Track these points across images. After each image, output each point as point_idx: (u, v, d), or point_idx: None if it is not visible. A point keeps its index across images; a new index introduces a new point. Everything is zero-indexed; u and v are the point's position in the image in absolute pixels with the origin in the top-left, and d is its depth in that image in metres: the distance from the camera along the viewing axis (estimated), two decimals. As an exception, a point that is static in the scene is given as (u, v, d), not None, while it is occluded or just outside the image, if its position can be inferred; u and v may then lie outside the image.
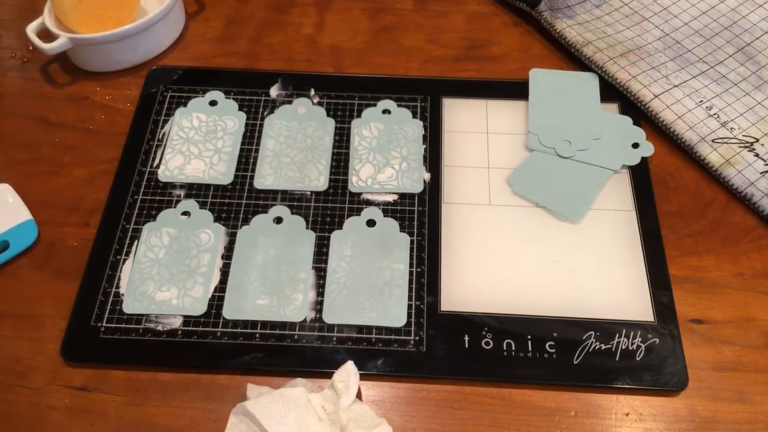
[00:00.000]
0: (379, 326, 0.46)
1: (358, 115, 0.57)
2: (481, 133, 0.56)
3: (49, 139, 0.57)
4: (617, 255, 0.49)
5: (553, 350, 0.45)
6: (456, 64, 0.61)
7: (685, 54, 0.59)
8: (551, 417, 0.43)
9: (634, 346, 0.45)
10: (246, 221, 0.51)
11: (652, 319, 0.46)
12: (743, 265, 0.49)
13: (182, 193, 0.53)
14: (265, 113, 0.57)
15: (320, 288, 0.48)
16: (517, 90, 0.58)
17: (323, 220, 0.51)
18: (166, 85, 0.59)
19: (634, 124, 0.56)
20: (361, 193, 0.53)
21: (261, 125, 0.56)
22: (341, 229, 0.51)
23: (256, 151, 0.55)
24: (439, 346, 0.45)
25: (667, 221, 0.51)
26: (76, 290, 0.48)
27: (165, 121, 0.57)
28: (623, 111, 0.57)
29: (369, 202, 0.52)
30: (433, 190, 0.53)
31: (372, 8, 0.66)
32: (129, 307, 0.47)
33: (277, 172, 0.54)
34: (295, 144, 0.55)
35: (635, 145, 0.54)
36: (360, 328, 0.46)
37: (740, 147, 0.53)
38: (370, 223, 0.51)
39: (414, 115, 0.57)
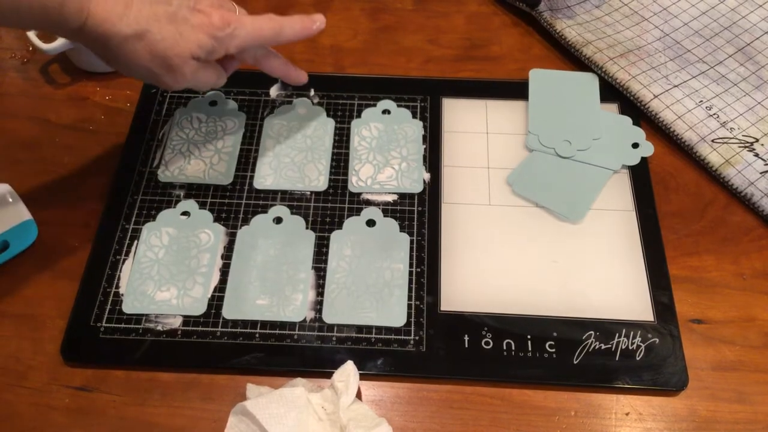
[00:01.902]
0: (378, 326, 0.46)
1: (358, 115, 0.57)
2: (480, 133, 0.56)
3: (49, 139, 0.57)
4: (617, 255, 0.49)
5: (553, 350, 0.45)
6: (456, 64, 0.61)
7: (684, 54, 0.59)
8: (551, 417, 0.43)
9: (634, 345, 0.45)
10: (246, 221, 0.51)
11: (652, 319, 0.46)
12: (743, 265, 0.49)
13: (182, 193, 0.53)
14: (265, 113, 0.57)
15: (320, 288, 0.48)
16: (517, 90, 0.58)
17: (323, 220, 0.51)
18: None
19: (634, 124, 0.56)
20: (360, 193, 0.53)
21: (261, 125, 0.56)
22: (341, 229, 0.51)
23: (256, 151, 0.55)
24: (439, 346, 0.45)
25: (667, 221, 0.51)
26: (76, 290, 0.48)
27: (165, 121, 0.57)
28: (623, 111, 0.57)
29: (369, 202, 0.52)
30: (432, 190, 0.53)
31: (372, 8, 0.66)
32: (129, 307, 0.47)
33: (277, 172, 0.54)
34: (295, 144, 0.55)
35: (635, 145, 0.54)
36: (360, 328, 0.46)
37: (740, 147, 0.53)
38: (370, 223, 0.51)
39: (414, 115, 0.57)
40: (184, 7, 0.43)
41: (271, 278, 0.48)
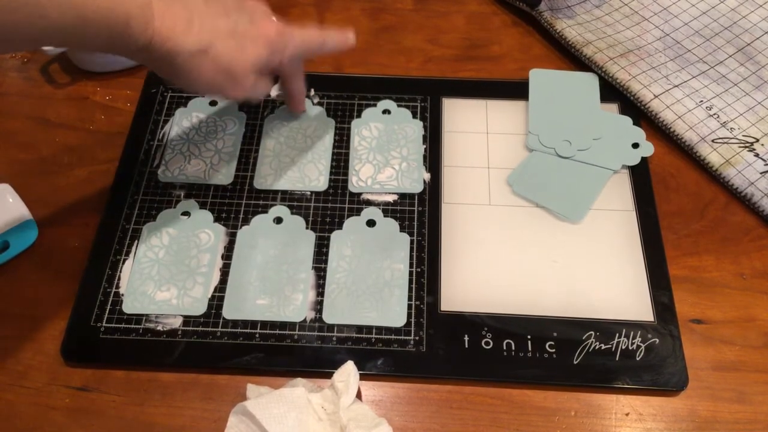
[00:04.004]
0: (379, 326, 0.46)
1: (358, 115, 0.57)
2: (481, 133, 0.56)
3: (49, 139, 0.57)
4: (617, 255, 0.49)
5: (553, 350, 0.45)
6: (456, 64, 0.61)
7: (685, 54, 0.59)
8: (551, 417, 0.43)
9: (634, 346, 0.45)
10: (246, 221, 0.51)
11: (652, 319, 0.46)
12: (743, 265, 0.49)
13: (182, 193, 0.53)
14: (265, 113, 0.57)
15: (320, 288, 0.48)
16: (517, 90, 0.58)
17: (323, 220, 0.51)
18: (166, 85, 0.59)
19: (634, 124, 0.55)
20: (361, 193, 0.53)
21: (261, 125, 0.56)
22: (341, 229, 0.51)
23: (256, 151, 0.55)
24: (439, 346, 0.45)
25: (667, 221, 0.51)
26: (76, 290, 0.48)
27: (165, 121, 0.57)
28: (623, 111, 0.57)
29: (369, 202, 0.52)
30: (433, 190, 0.53)
31: (372, 8, 0.66)
32: (129, 307, 0.47)
33: (277, 172, 0.54)
34: (295, 144, 0.55)
35: (635, 145, 0.54)
36: (360, 328, 0.46)
37: (740, 147, 0.53)
38: (370, 223, 0.51)
39: (414, 115, 0.57)
40: (242, 21, 0.44)
41: (271, 278, 0.48)
